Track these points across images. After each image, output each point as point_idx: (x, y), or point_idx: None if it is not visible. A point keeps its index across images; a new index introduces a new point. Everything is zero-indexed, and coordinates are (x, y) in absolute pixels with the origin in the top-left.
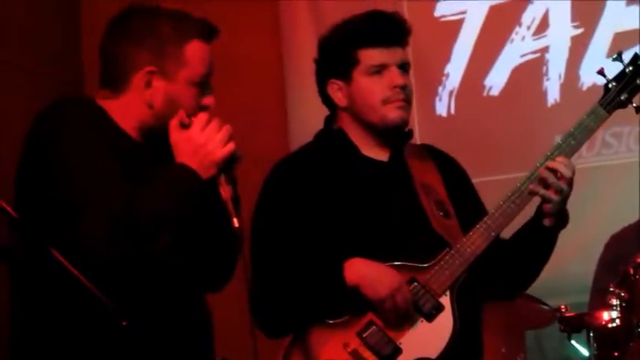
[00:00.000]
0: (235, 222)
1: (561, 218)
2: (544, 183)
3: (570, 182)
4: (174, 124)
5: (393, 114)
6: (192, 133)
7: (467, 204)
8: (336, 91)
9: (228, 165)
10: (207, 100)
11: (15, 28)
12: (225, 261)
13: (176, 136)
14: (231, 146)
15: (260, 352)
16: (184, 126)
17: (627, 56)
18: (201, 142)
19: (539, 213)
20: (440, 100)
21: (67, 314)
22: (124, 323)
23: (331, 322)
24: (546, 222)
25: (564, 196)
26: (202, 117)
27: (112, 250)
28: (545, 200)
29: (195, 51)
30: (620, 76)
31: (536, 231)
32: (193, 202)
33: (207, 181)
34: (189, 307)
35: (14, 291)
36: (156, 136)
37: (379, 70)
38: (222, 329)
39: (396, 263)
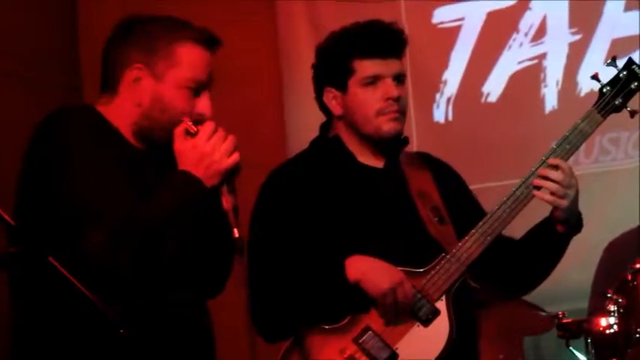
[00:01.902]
0: (236, 232)
1: (575, 223)
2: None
3: (569, 184)
4: (179, 131)
5: (386, 126)
6: (198, 142)
7: (464, 209)
8: (332, 99)
9: (230, 175)
10: (201, 108)
11: (12, 35)
12: (221, 270)
13: (181, 144)
14: (236, 157)
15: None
16: (190, 134)
17: (622, 62)
18: (207, 151)
19: (552, 218)
20: (437, 107)
21: (66, 323)
22: (123, 332)
23: (327, 327)
24: (559, 228)
25: (570, 200)
26: (209, 126)
27: (117, 259)
28: (554, 206)
29: (186, 53)
30: (614, 81)
31: (548, 235)
32: (196, 210)
33: (210, 190)
34: (191, 314)
35: (14, 299)
36: (152, 140)
37: (374, 81)
38: (220, 335)
39: None
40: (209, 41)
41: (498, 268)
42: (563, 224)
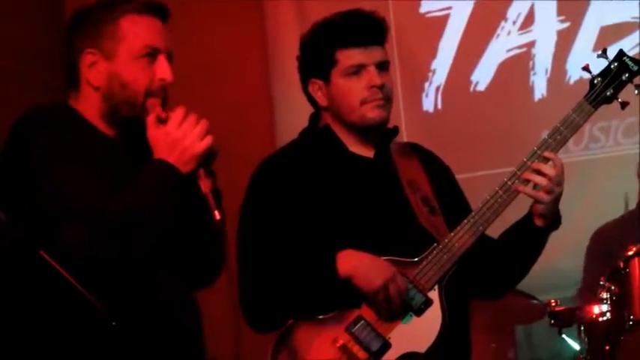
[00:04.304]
0: (217, 214)
1: (554, 219)
2: (532, 184)
3: (558, 181)
4: (151, 120)
5: (371, 113)
6: (170, 129)
7: (452, 201)
8: (317, 90)
9: (206, 159)
10: (160, 73)
11: (5, 33)
12: (213, 255)
13: (153, 131)
14: (208, 140)
15: (243, 351)
16: (161, 121)
17: (613, 51)
18: (179, 136)
19: (531, 212)
20: (426, 96)
21: (56, 315)
22: (114, 324)
23: (320, 317)
24: (538, 222)
25: (555, 197)
26: (179, 112)
27: (95, 250)
28: (535, 200)
29: (130, 24)
30: (605, 72)
31: (527, 230)
32: (174, 197)
33: (186, 176)
34: (179, 305)
35: (2, 293)
36: (122, 120)
37: (357, 70)
38: (205, 323)
39: (385, 258)
40: (152, 9)
41: (479, 266)
42: (542, 219)
